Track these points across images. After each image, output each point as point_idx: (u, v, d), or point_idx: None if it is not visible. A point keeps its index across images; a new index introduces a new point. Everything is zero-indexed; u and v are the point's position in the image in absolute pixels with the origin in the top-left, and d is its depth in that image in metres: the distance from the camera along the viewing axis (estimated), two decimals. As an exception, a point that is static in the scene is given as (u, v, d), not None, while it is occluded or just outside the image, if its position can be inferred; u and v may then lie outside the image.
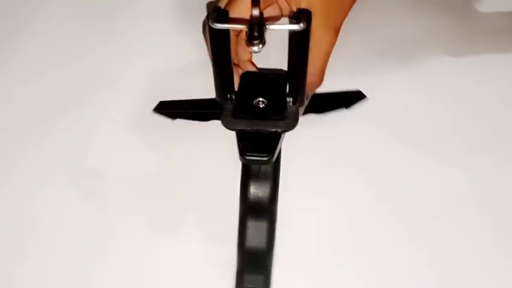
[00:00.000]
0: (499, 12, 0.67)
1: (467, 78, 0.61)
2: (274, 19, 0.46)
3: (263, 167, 0.45)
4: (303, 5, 0.44)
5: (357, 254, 0.49)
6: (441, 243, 0.50)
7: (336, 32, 0.46)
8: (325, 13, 0.45)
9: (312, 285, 0.48)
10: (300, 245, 0.49)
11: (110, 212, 0.51)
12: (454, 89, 0.60)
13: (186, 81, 0.59)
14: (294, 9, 0.45)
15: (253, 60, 0.50)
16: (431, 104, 0.59)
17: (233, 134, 0.42)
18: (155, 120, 0.57)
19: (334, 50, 0.47)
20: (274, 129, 0.41)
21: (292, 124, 0.42)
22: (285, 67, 0.42)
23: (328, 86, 0.49)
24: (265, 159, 0.40)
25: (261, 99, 0.42)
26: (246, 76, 0.45)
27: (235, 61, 0.48)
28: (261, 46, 0.35)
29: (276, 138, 0.42)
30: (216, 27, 0.37)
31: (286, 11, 0.47)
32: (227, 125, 0.42)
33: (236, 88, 0.44)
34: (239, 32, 0.48)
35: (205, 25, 0.41)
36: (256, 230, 0.45)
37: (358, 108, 0.57)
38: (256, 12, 0.35)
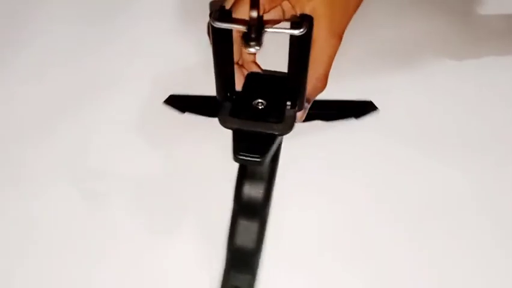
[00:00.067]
0: (500, 15, 0.66)
1: (468, 80, 0.61)
2: (277, 22, 0.46)
3: (259, 168, 0.45)
4: (307, 10, 0.44)
5: (358, 255, 0.49)
6: (442, 244, 0.50)
7: (340, 37, 0.46)
8: (329, 18, 0.45)
9: (311, 287, 0.48)
10: (300, 246, 0.49)
11: (110, 212, 0.51)
12: (455, 90, 0.60)
13: (187, 81, 0.60)
14: (298, 13, 0.45)
15: (258, 62, 0.51)
16: (431, 106, 0.59)
17: (233, 135, 0.43)
18: (156, 120, 0.57)
19: (337, 53, 0.47)
20: (269, 132, 0.41)
21: (287, 128, 0.42)
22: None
23: (331, 89, 0.48)
24: (257, 160, 0.41)
25: (260, 100, 0.43)
26: (250, 77, 0.45)
27: (240, 62, 0.48)
28: (258, 48, 0.36)
29: (271, 140, 0.42)
30: (217, 26, 0.37)
31: (289, 15, 0.47)
32: (223, 123, 0.42)
33: (240, 88, 0.44)
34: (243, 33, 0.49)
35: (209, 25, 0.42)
36: (247, 229, 0.45)
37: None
38: (254, 14, 0.35)
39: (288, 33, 0.37)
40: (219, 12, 0.38)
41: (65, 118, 0.58)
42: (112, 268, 0.48)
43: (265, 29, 0.36)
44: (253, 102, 0.43)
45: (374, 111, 0.57)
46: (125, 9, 0.68)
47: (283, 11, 0.47)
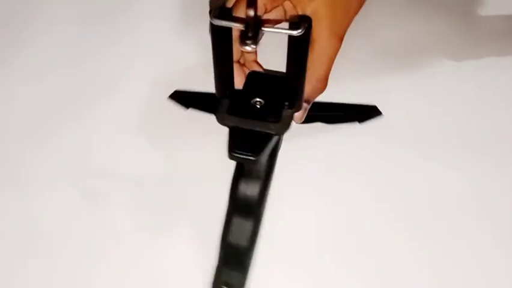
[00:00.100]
0: (500, 16, 0.66)
1: (468, 81, 0.61)
2: (278, 22, 0.46)
3: (255, 167, 0.45)
4: (309, 10, 0.45)
5: (357, 256, 0.49)
6: (441, 245, 0.50)
7: (341, 38, 0.46)
8: (330, 19, 0.45)
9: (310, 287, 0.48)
10: (299, 247, 0.49)
11: (111, 212, 0.51)
12: (455, 91, 0.60)
13: (188, 81, 0.60)
14: (300, 12, 0.45)
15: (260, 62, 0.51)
16: (432, 107, 0.59)
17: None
18: (156, 121, 0.58)
19: (337, 54, 0.47)
20: (265, 131, 0.42)
21: (284, 128, 0.42)
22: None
23: (331, 90, 0.48)
24: (252, 159, 0.41)
25: (258, 99, 0.43)
26: (251, 75, 0.46)
27: (241, 61, 0.49)
28: (254, 46, 0.36)
29: (266, 139, 0.42)
30: (215, 24, 0.38)
31: (290, 15, 0.47)
32: (220, 121, 0.42)
33: (241, 86, 0.45)
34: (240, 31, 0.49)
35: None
36: (241, 227, 0.45)
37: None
38: (251, 13, 0.35)
39: (285, 33, 0.37)
40: (219, 10, 0.38)
41: (65, 118, 0.58)
42: (112, 268, 0.48)
43: (263, 29, 0.37)
44: (252, 101, 0.43)
45: (378, 117, 0.57)
46: (126, 9, 0.68)
47: (285, 11, 0.47)
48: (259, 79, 0.45)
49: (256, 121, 0.42)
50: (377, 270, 0.48)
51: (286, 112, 0.43)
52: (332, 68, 0.47)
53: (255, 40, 0.36)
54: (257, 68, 0.49)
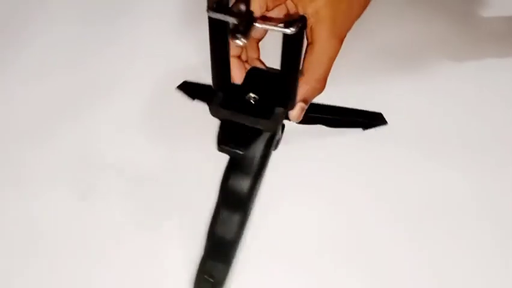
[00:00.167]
0: (500, 17, 0.66)
1: (468, 82, 0.61)
2: (280, 20, 0.47)
3: (247, 162, 0.46)
4: (310, 10, 0.45)
5: (357, 256, 0.49)
6: (442, 245, 0.50)
7: (341, 40, 0.46)
8: (332, 20, 0.45)
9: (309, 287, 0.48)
10: (300, 247, 0.50)
11: (111, 212, 0.51)
12: (455, 92, 0.60)
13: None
14: (301, 13, 0.45)
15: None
16: (432, 107, 0.59)
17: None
18: (157, 121, 0.58)
19: (337, 56, 0.47)
20: (255, 126, 0.42)
21: (274, 125, 0.43)
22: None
23: (331, 91, 0.49)
24: (239, 152, 0.42)
25: (253, 95, 0.44)
26: (252, 71, 0.46)
27: (244, 58, 0.49)
28: (244, 41, 0.36)
29: (256, 135, 0.43)
30: (211, 16, 0.38)
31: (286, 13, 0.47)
32: (213, 113, 0.43)
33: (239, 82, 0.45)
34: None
35: None
36: (228, 220, 0.46)
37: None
38: (243, 7, 0.36)
39: (278, 31, 0.38)
40: (216, 3, 0.39)
41: (65, 118, 0.58)
42: (112, 267, 0.48)
43: (256, 24, 0.37)
44: (246, 96, 0.44)
45: (383, 125, 0.57)
46: (126, 10, 0.69)
47: (288, 10, 0.47)
48: (259, 75, 0.46)
49: (247, 116, 0.42)
50: (377, 270, 0.48)
51: (278, 110, 0.43)
52: (332, 69, 0.47)
53: (245, 35, 0.36)
54: (260, 66, 0.50)
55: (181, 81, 0.60)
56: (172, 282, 0.47)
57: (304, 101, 0.47)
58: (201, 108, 0.44)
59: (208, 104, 0.43)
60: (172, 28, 0.67)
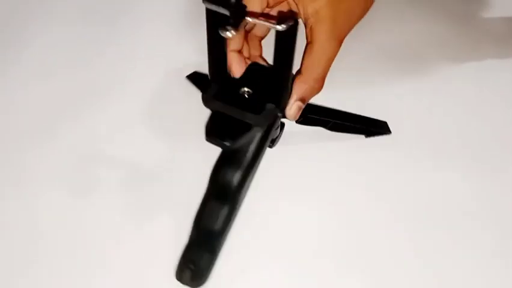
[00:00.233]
0: (500, 18, 0.65)
1: (468, 83, 0.60)
2: (272, 17, 0.47)
3: (238, 155, 0.46)
4: (310, 9, 0.45)
5: (358, 257, 0.49)
6: (442, 246, 0.50)
7: (340, 42, 0.46)
8: (332, 21, 0.45)
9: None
10: (299, 247, 0.50)
11: (111, 212, 0.51)
12: (455, 93, 0.60)
13: (189, 82, 0.61)
14: (301, 12, 0.46)
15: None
16: (432, 108, 0.59)
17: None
18: (156, 122, 0.58)
19: (336, 56, 0.47)
20: (244, 120, 0.43)
21: (263, 121, 0.43)
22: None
23: (329, 92, 0.49)
24: (226, 144, 0.42)
25: (247, 89, 0.44)
26: (251, 67, 0.47)
27: (246, 55, 0.50)
28: (233, 33, 0.37)
29: (246, 129, 0.43)
30: (206, 6, 0.39)
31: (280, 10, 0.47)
32: (205, 103, 0.44)
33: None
34: (250, 28, 0.50)
35: None
36: (216, 211, 0.46)
37: (358, 112, 0.57)
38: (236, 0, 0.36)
39: (268, 26, 0.38)
40: None
41: (66, 118, 0.58)
42: (112, 267, 0.48)
43: (247, 18, 0.38)
44: (241, 90, 0.44)
45: (387, 134, 0.57)
46: (126, 10, 0.69)
47: (290, 8, 0.48)
48: (258, 71, 0.47)
49: (237, 109, 0.43)
50: (377, 270, 0.48)
51: (269, 106, 0.44)
52: (331, 70, 0.47)
53: (236, 27, 0.37)
54: (262, 63, 0.50)
55: (181, 81, 0.61)
56: (173, 282, 0.47)
57: (302, 100, 0.47)
58: (201, 108, 0.44)
59: (202, 94, 0.44)
60: (172, 28, 0.68)
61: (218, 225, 0.46)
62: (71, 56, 0.65)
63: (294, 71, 0.47)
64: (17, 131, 0.57)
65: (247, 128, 0.43)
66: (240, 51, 0.48)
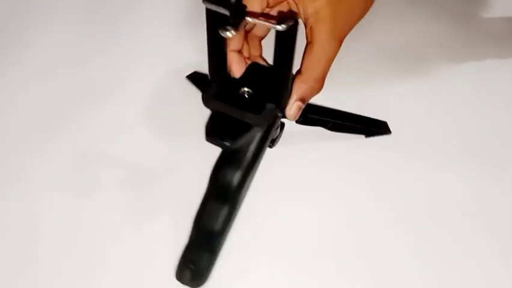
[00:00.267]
0: (500, 18, 0.65)
1: (468, 83, 0.61)
2: (271, 17, 0.47)
3: (238, 155, 0.46)
4: (310, 9, 0.45)
5: (358, 257, 0.49)
6: (442, 246, 0.50)
7: (340, 42, 0.46)
8: (332, 21, 0.45)
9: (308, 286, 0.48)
10: (299, 247, 0.50)
11: (111, 212, 0.51)
12: (455, 93, 0.60)
13: (190, 82, 0.61)
14: (301, 12, 0.46)
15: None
16: (432, 108, 0.59)
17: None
18: (156, 122, 0.58)
19: (336, 56, 0.47)
20: (244, 120, 0.43)
21: (263, 121, 0.43)
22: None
23: (329, 93, 0.49)
24: (226, 144, 0.42)
25: (247, 89, 0.44)
26: (251, 67, 0.47)
27: (246, 54, 0.50)
28: (233, 33, 0.37)
29: (245, 129, 0.43)
30: (206, 6, 0.39)
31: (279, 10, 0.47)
32: (205, 103, 0.44)
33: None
34: (250, 28, 0.50)
35: None
36: (216, 211, 0.46)
37: (358, 112, 0.57)
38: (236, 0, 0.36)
39: (268, 26, 0.38)
40: None
41: (65, 118, 0.59)
42: (112, 267, 0.48)
43: (247, 18, 0.38)
44: (241, 90, 0.44)
45: (387, 134, 0.57)
46: (127, 10, 0.70)
47: (290, 8, 0.48)
48: (258, 71, 0.47)
49: (237, 109, 0.43)
50: (377, 271, 0.48)
51: (269, 106, 0.44)
52: (331, 70, 0.47)
53: (235, 27, 0.37)
54: (262, 63, 0.50)
55: (181, 81, 0.61)
56: (173, 282, 0.47)
57: (302, 100, 0.47)
58: (201, 108, 0.44)
59: (202, 94, 0.44)
60: (172, 28, 0.68)
61: (218, 225, 0.46)
62: (71, 56, 0.65)
63: (294, 71, 0.47)
64: (17, 131, 0.58)
65: (247, 128, 0.43)
66: (240, 51, 0.48)
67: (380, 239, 0.50)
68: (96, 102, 0.60)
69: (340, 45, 0.46)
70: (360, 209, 0.52)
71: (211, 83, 0.45)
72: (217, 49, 0.43)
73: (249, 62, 0.48)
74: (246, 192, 0.48)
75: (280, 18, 0.38)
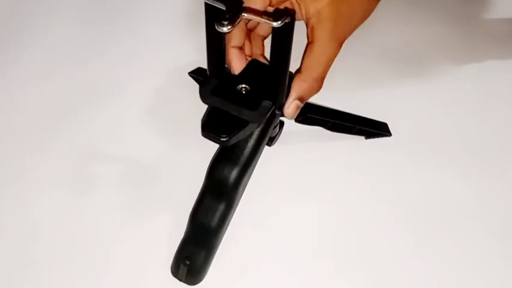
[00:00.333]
0: (500, 19, 0.65)
1: (469, 84, 0.61)
2: (268, 13, 0.47)
3: (236, 152, 0.46)
4: (312, 10, 0.45)
5: (358, 257, 0.49)
6: (442, 246, 0.50)
7: (340, 43, 0.47)
8: (333, 22, 0.45)
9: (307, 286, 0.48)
10: (298, 247, 0.50)
11: (111, 212, 0.51)
12: (456, 94, 0.60)
13: (190, 82, 0.61)
14: (303, 12, 0.46)
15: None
16: (432, 109, 0.59)
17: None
18: (157, 122, 0.58)
19: (336, 57, 0.47)
20: (240, 116, 0.43)
21: (259, 118, 0.43)
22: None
23: (329, 94, 0.49)
24: (222, 139, 0.42)
25: (245, 86, 0.44)
26: (251, 63, 0.47)
27: (248, 53, 0.50)
28: (229, 28, 0.37)
29: (242, 125, 0.43)
30: (204, 0, 0.39)
31: (298, 12, 0.48)
32: (202, 98, 0.44)
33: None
34: (253, 27, 0.50)
35: None
36: (212, 208, 0.46)
37: (358, 113, 0.57)
38: None
39: (265, 22, 0.38)
40: None
41: (65, 118, 0.58)
42: (112, 267, 0.48)
43: (244, 14, 0.38)
44: (238, 86, 0.44)
45: (387, 136, 0.57)
46: (127, 10, 0.70)
47: (292, 7, 0.48)
48: (258, 68, 0.47)
49: (233, 105, 0.43)
50: (377, 271, 0.48)
51: (265, 103, 0.44)
52: (331, 71, 0.47)
53: (232, 22, 0.37)
54: (263, 61, 0.50)
55: (181, 81, 0.61)
56: (172, 282, 0.47)
57: (301, 99, 0.47)
58: (201, 108, 0.44)
59: (199, 89, 0.44)
60: (173, 28, 0.68)
61: (214, 221, 0.46)
62: (71, 56, 0.65)
63: (293, 70, 0.47)
64: (17, 131, 0.57)
65: (243, 124, 0.43)
66: (241, 48, 0.48)
67: (380, 239, 0.50)
68: (96, 102, 0.60)
69: (340, 46, 0.47)
70: (360, 209, 0.52)
71: (209, 79, 0.45)
72: (215, 45, 0.43)
73: (249, 59, 0.48)
74: (243, 189, 0.48)
75: (276, 14, 0.38)
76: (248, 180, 0.48)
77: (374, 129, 0.56)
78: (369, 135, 0.57)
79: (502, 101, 0.60)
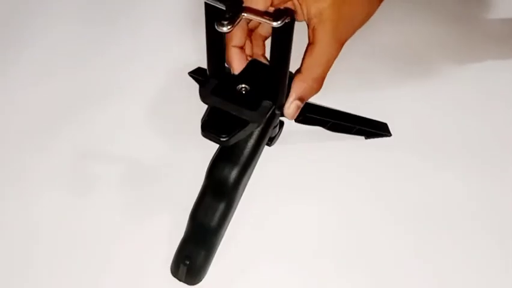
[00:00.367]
0: (501, 19, 0.65)
1: (469, 84, 0.61)
2: (268, 13, 0.47)
3: (236, 152, 0.46)
4: (313, 10, 0.45)
5: (358, 257, 0.49)
6: (441, 246, 0.50)
7: (341, 44, 0.47)
8: (334, 23, 0.45)
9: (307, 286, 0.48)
10: (298, 247, 0.50)
11: (111, 212, 0.51)
12: (456, 94, 0.60)
13: (190, 82, 0.61)
14: (304, 13, 0.46)
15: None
16: (432, 110, 0.59)
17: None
18: (157, 122, 0.58)
19: (336, 58, 0.47)
20: (240, 116, 0.43)
21: (258, 118, 0.43)
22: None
23: (329, 94, 0.49)
24: (222, 139, 0.42)
25: (245, 85, 0.44)
26: (251, 63, 0.47)
27: (249, 53, 0.50)
28: (229, 27, 0.37)
29: (242, 125, 0.43)
30: (205, 1, 0.39)
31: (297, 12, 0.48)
32: (202, 98, 0.44)
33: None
34: (254, 27, 0.50)
35: None
36: (212, 207, 0.46)
37: (358, 113, 0.57)
38: None
39: (264, 22, 0.38)
40: None
41: (65, 118, 0.58)
42: (112, 267, 0.48)
43: (243, 14, 0.38)
44: (238, 86, 0.44)
45: (387, 136, 0.57)
46: (127, 10, 0.70)
47: (294, 8, 0.48)
48: (258, 68, 0.47)
49: (233, 105, 0.43)
50: (377, 271, 0.48)
51: (265, 103, 0.44)
52: (331, 72, 0.47)
53: (232, 22, 0.37)
54: (263, 61, 0.50)
55: (181, 81, 0.61)
56: (172, 282, 0.47)
57: (300, 99, 0.47)
58: (202, 108, 0.44)
59: (199, 89, 0.44)
60: (173, 28, 0.68)
61: (214, 221, 0.46)
62: (71, 56, 0.65)
63: (293, 70, 0.47)
64: (17, 131, 0.57)
65: (243, 124, 0.43)
66: (242, 48, 0.48)
67: (380, 239, 0.50)
68: (96, 102, 0.60)
69: (341, 47, 0.47)
70: (360, 209, 0.52)
71: (209, 79, 0.45)
72: (215, 44, 0.43)
73: (249, 59, 0.48)
74: (243, 189, 0.48)
75: (276, 14, 0.38)
76: (248, 180, 0.48)
77: (374, 129, 0.56)
78: (369, 135, 0.57)
79: (502, 101, 0.60)
